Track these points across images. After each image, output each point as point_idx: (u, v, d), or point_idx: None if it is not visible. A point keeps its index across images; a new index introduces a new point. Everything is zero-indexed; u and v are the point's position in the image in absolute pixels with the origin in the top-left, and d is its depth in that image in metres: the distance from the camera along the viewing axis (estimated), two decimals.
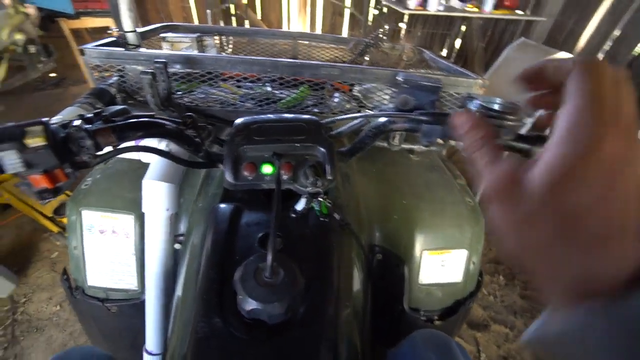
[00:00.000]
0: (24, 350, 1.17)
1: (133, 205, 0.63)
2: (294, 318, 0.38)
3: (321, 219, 0.49)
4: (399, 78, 0.43)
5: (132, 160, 0.66)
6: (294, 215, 0.49)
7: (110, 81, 0.69)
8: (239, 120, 0.46)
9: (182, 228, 0.63)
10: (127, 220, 0.62)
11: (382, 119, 0.44)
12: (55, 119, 0.32)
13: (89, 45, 0.66)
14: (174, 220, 0.59)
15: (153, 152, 0.40)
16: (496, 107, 0.36)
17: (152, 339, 0.59)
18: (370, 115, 0.45)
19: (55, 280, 1.41)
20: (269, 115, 0.47)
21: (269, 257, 0.36)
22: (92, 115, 0.35)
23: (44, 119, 0.30)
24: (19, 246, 1.55)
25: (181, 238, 0.63)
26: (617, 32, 1.65)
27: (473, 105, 0.37)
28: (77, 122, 0.32)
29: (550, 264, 0.18)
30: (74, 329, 1.23)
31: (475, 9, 1.99)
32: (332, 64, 0.66)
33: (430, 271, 0.67)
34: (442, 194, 0.72)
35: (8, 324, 1.24)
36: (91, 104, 0.63)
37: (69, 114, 0.58)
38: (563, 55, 1.45)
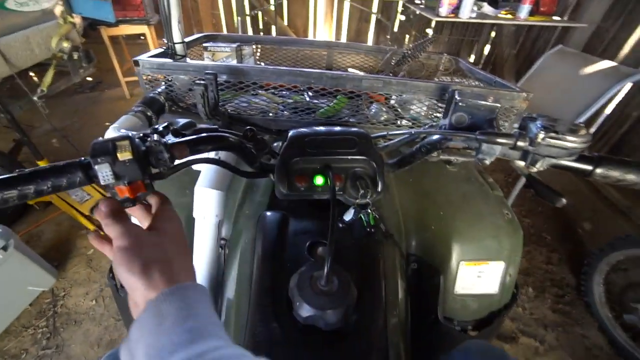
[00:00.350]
0: (64, 342, 1.23)
1: (179, 209, 0.64)
2: (347, 326, 0.38)
3: (367, 229, 0.50)
4: (457, 96, 0.43)
5: None
6: (341, 225, 0.50)
7: (159, 90, 0.72)
8: (292, 133, 0.47)
9: (224, 233, 0.65)
10: None
11: (436, 136, 0.44)
12: (131, 133, 0.34)
13: (143, 57, 0.70)
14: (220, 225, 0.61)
15: (220, 165, 0.43)
16: (560, 128, 0.35)
17: None
18: (424, 131, 0.45)
19: (91, 276, 1.48)
20: (321, 128, 0.48)
21: (327, 267, 0.37)
22: (163, 128, 0.38)
23: (128, 133, 0.33)
24: (59, 242, 1.64)
25: (222, 242, 0.65)
26: None
27: (535, 127, 0.36)
28: (155, 137, 0.34)
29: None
30: (108, 324, 1.29)
31: (510, 16, 1.94)
32: (374, 76, 0.66)
33: (467, 282, 0.66)
34: (479, 205, 0.71)
35: (50, 316, 1.31)
36: (143, 112, 0.66)
37: (125, 122, 0.62)
38: (607, 63, 1.38)
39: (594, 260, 1.35)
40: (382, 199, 0.66)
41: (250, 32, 3.51)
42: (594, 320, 1.37)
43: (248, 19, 3.36)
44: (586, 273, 1.38)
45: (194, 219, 0.57)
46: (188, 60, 0.85)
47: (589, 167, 0.38)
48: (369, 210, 0.48)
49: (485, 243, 0.66)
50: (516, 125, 0.40)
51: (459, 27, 3.10)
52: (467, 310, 0.68)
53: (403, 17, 3.19)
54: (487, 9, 1.90)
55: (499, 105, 0.42)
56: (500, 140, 0.38)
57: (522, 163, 0.40)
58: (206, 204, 0.53)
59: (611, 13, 1.85)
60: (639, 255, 1.20)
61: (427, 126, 0.63)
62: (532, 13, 1.89)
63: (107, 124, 0.58)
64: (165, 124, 0.39)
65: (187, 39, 0.92)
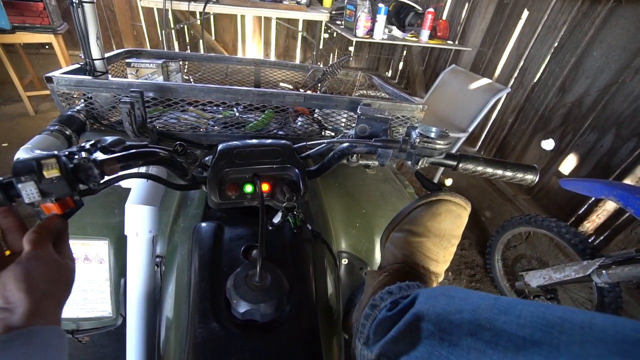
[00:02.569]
0: None
1: (107, 230, 0.64)
2: (281, 316, 0.44)
3: (295, 230, 0.56)
4: (359, 111, 0.52)
5: None
6: (271, 228, 0.55)
7: (78, 107, 0.70)
8: (221, 146, 0.52)
9: (159, 250, 0.65)
10: (101, 246, 0.63)
11: (345, 144, 0.53)
12: (56, 151, 0.35)
13: (57, 73, 0.67)
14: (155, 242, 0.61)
15: (152, 179, 0.44)
16: (431, 134, 0.47)
17: None
18: (335, 141, 0.54)
19: None
20: (248, 141, 0.53)
21: (259, 263, 0.42)
22: (90, 146, 0.39)
23: (54, 152, 0.34)
24: None
25: (158, 260, 0.65)
26: (522, 63, 2.00)
27: (415, 134, 0.48)
28: (83, 154, 0.36)
29: None
30: None
31: (414, 38, 2.26)
32: (297, 92, 0.74)
33: None
34: (395, 202, 0.83)
35: None
36: (61, 131, 0.63)
37: (40, 142, 0.59)
38: (485, 80, 1.72)
39: (492, 242, 1.63)
40: (310, 202, 0.73)
41: (176, 46, 3.38)
42: (497, 291, 1.65)
43: (173, 32, 3.24)
44: (489, 253, 1.66)
45: (126, 237, 0.57)
46: (110, 76, 0.83)
47: (454, 163, 0.50)
48: (295, 213, 0.54)
49: None
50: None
51: (377, 46, 3.46)
52: None
53: (327, 35, 3.43)
54: (396, 32, 2.19)
55: (390, 117, 0.52)
56: (390, 145, 0.48)
57: (409, 163, 0.51)
58: (138, 221, 0.54)
59: (486, 40, 2.30)
60: (521, 232, 1.50)
61: (339, 136, 0.73)
62: (431, 37, 2.23)
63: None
64: (92, 141, 0.40)
65: (107, 54, 0.89)
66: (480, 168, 0.50)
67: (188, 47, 3.44)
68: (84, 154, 0.36)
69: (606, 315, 0.22)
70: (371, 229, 0.76)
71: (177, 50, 3.30)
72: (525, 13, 2.00)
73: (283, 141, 0.54)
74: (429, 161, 0.50)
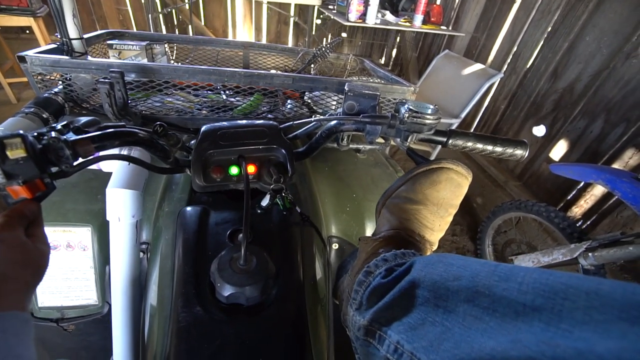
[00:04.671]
0: None
1: (89, 216, 0.62)
2: (267, 299, 0.43)
3: (284, 212, 0.55)
4: (346, 88, 0.51)
5: (83, 171, 0.65)
6: (259, 211, 0.54)
7: (56, 90, 0.67)
8: (205, 127, 0.50)
9: (145, 236, 0.64)
10: (83, 233, 0.61)
11: (333, 122, 0.52)
12: (21, 131, 0.33)
13: (30, 53, 0.63)
14: (139, 227, 0.59)
15: (130, 161, 0.42)
16: (421, 109, 0.46)
17: (120, 350, 0.59)
18: (322, 119, 0.52)
19: None
20: (233, 122, 0.52)
21: (243, 246, 0.41)
22: (61, 126, 0.37)
23: (21, 132, 0.32)
24: None
25: (143, 246, 0.63)
26: (515, 49, 1.99)
27: (403, 109, 0.46)
28: (53, 134, 0.34)
29: None
30: None
31: (408, 24, 2.22)
32: (285, 74, 0.72)
33: None
34: (385, 186, 0.82)
35: None
36: (37, 114, 0.60)
37: (13, 124, 0.56)
38: (478, 66, 1.70)
39: (483, 228, 1.65)
40: (299, 186, 0.72)
41: (163, 31, 3.27)
42: None
43: (161, 17, 3.14)
44: (480, 238, 1.68)
45: (108, 222, 0.55)
46: (90, 58, 0.79)
47: (444, 139, 0.49)
48: (284, 194, 0.53)
49: None
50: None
51: (370, 31, 3.40)
52: None
53: (319, 21, 3.35)
54: (389, 16, 2.15)
55: (378, 93, 0.51)
56: (378, 120, 0.47)
57: (398, 140, 0.50)
58: (120, 206, 0.52)
59: (480, 25, 2.27)
60: (511, 217, 1.51)
61: (327, 115, 0.71)
62: (425, 22, 2.20)
63: None
64: (65, 122, 0.38)
65: (87, 35, 0.85)
66: (470, 144, 0.49)
67: (177, 32, 3.34)
68: (54, 134, 0.34)
69: (615, 281, 0.21)
70: (361, 214, 0.75)
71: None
72: None
73: (269, 121, 0.53)
74: (419, 137, 0.49)
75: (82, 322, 0.64)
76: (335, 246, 0.75)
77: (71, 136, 0.35)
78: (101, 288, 0.64)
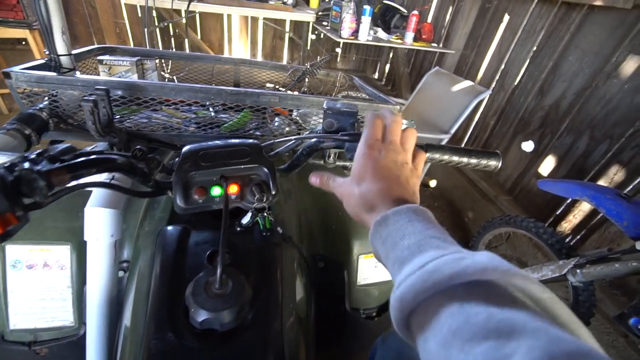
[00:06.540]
0: None
1: (69, 234, 0.61)
2: (243, 324, 0.42)
3: (264, 233, 0.55)
4: (324, 106, 0.51)
5: None
6: (239, 229, 0.53)
7: (41, 105, 0.66)
8: (185, 148, 0.50)
9: (126, 255, 0.63)
10: (62, 251, 0.60)
11: (313, 140, 0.52)
12: None
13: (16, 68, 0.63)
14: (118, 247, 0.58)
15: (105, 187, 0.42)
16: None
17: None
18: (302, 137, 0.53)
19: None
20: (214, 142, 0.52)
21: (218, 270, 0.40)
22: (35, 155, 0.36)
23: None
24: None
25: (125, 265, 0.62)
26: (503, 66, 2.04)
27: None
28: (26, 165, 0.33)
29: (355, 214, 0.38)
30: None
31: (399, 40, 2.27)
32: (272, 92, 0.73)
33: (366, 273, 0.75)
34: None
35: None
36: (19, 130, 0.60)
37: None
38: (467, 83, 1.74)
39: (474, 242, 1.65)
40: (283, 204, 0.72)
41: (160, 45, 3.31)
42: None
43: (158, 31, 3.18)
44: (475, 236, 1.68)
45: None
46: (78, 74, 0.79)
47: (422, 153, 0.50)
48: (265, 214, 0.53)
49: None
50: None
51: (364, 48, 3.47)
52: (370, 298, 0.77)
53: (314, 36, 3.42)
54: (381, 33, 2.20)
55: (355, 111, 0.51)
56: (357, 138, 0.47)
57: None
58: (99, 225, 0.51)
59: (469, 43, 2.34)
60: (502, 233, 1.52)
61: (307, 132, 0.72)
62: (416, 39, 2.26)
63: None
64: (39, 150, 0.37)
65: (76, 51, 0.86)
66: (446, 157, 0.50)
67: (173, 46, 3.38)
68: (27, 165, 0.33)
69: None
70: (347, 231, 0.75)
71: (161, 49, 3.23)
72: (506, 17, 2.04)
73: (250, 140, 0.53)
74: None
75: (56, 344, 0.62)
76: (321, 264, 0.74)
77: (45, 166, 0.34)
78: (78, 309, 0.62)
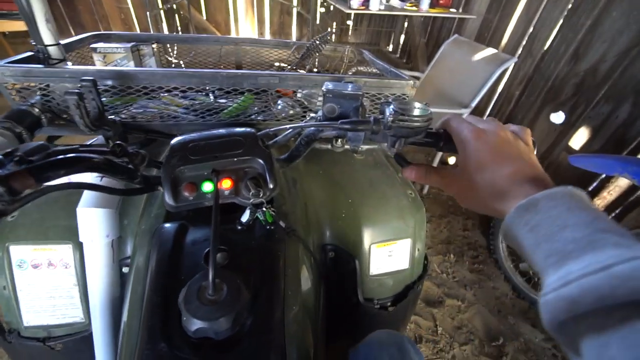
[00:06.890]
0: None
1: (70, 233, 0.59)
2: (241, 331, 0.39)
3: (267, 227, 0.51)
4: (324, 88, 0.45)
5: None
6: (239, 228, 0.50)
7: (32, 101, 0.64)
8: (174, 141, 0.46)
9: (129, 251, 0.61)
10: (65, 250, 0.59)
11: (311, 128, 0.46)
12: None
13: (1, 62, 0.60)
14: (118, 244, 0.57)
15: (83, 188, 0.38)
16: (407, 110, 0.39)
17: None
18: (299, 125, 0.47)
19: None
20: (205, 132, 0.47)
21: (210, 275, 0.37)
22: (2, 156, 0.33)
23: None
24: None
25: (128, 261, 0.61)
26: (531, 30, 1.85)
27: (388, 111, 0.40)
28: None
29: (478, 205, 0.36)
30: None
31: (414, 8, 2.10)
32: (271, 72, 0.67)
33: (379, 262, 0.71)
34: (385, 189, 0.76)
35: None
36: (9, 128, 0.57)
37: None
38: (490, 50, 1.59)
39: (496, 222, 1.57)
40: (286, 194, 0.67)
41: (165, 28, 3.25)
42: (501, 273, 1.60)
43: (162, 13, 3.11)
44: (493, 234, 1.60)
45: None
46: (69, 64, 0.76)
47: (438, 142, 0.43)
48: (265, 209, 0.49)
49: (392, 224, 0.71)
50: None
51: (376, 18, 3.26)
52: (385, 287, 0.74)
53: (323, 10, 3.24)
54: (394, 1, 2.04)
55: (360, 93, 0.44)
56: (359, 127, 0.41)
57: (385, 145, 0.44)
58: (93, 226, 0.49)
59: (492, 6, 2.12)
60: None
61: (306, 119, 0.65)
62: (432, 5, 2.07)
63: None
64: (9, 150, 0.34)
65: (66, 40, 0.82)
66: None
67: (179, 28, 3.31)
68: None
69: None
70: (358, 220, 0.70)
71: (166, 32, 3.17)
72: None
73: (245, 129, 0.48)
74: (408, 142, 0.43)
75: (70, 340, 0.62)
76: (331, 255, 0.70)
77: (7, 169, 0.31)
78: (87, 306, 0.61)
